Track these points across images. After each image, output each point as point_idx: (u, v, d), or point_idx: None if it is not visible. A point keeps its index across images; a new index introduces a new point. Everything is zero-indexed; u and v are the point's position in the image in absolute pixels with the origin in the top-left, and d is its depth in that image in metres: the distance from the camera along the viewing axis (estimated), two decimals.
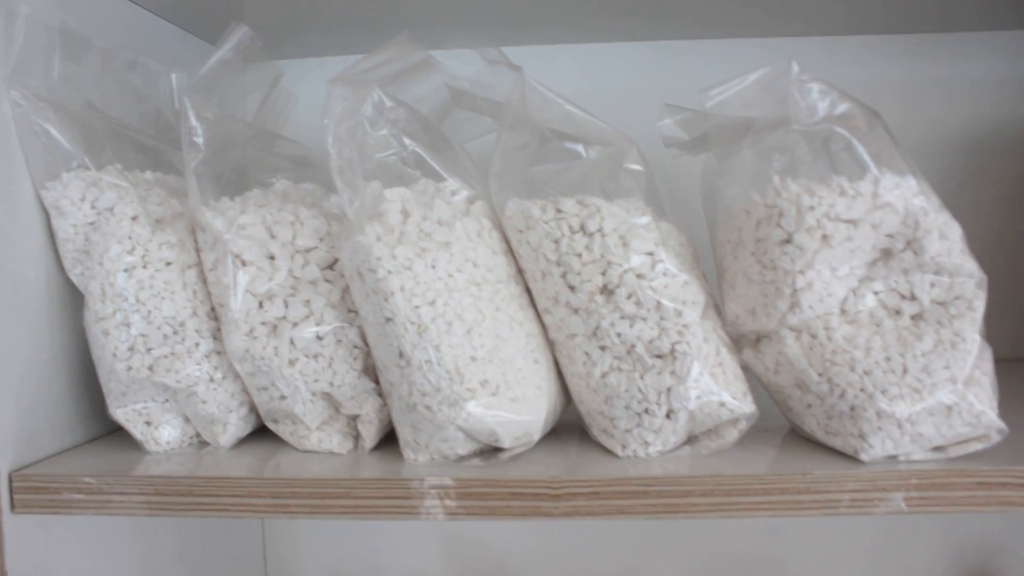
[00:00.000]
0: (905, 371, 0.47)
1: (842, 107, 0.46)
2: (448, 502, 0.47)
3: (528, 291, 0.53)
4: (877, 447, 0.47)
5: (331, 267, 0.53)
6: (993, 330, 0.77)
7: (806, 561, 0.78)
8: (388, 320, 0.48)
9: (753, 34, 0.73)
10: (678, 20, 0.68)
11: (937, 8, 0.69)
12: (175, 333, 0.52)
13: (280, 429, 0.54)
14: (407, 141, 0.51)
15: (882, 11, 0.69)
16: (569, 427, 0.56)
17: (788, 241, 0.47)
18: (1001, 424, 0.48)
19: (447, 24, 0.70)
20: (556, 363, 0.53)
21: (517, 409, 0.49)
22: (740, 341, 0.52)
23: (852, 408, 0.47)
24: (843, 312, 0.49)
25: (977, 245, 0.76)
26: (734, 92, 0.46)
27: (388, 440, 0.53)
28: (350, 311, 0.52)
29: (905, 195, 0.46)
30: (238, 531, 0.77)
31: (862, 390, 0.47)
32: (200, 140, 0.52)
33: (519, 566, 0.78)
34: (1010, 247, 0.77)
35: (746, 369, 0.52)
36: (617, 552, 0.77)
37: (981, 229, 0.76)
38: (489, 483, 0.47)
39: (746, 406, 0.50)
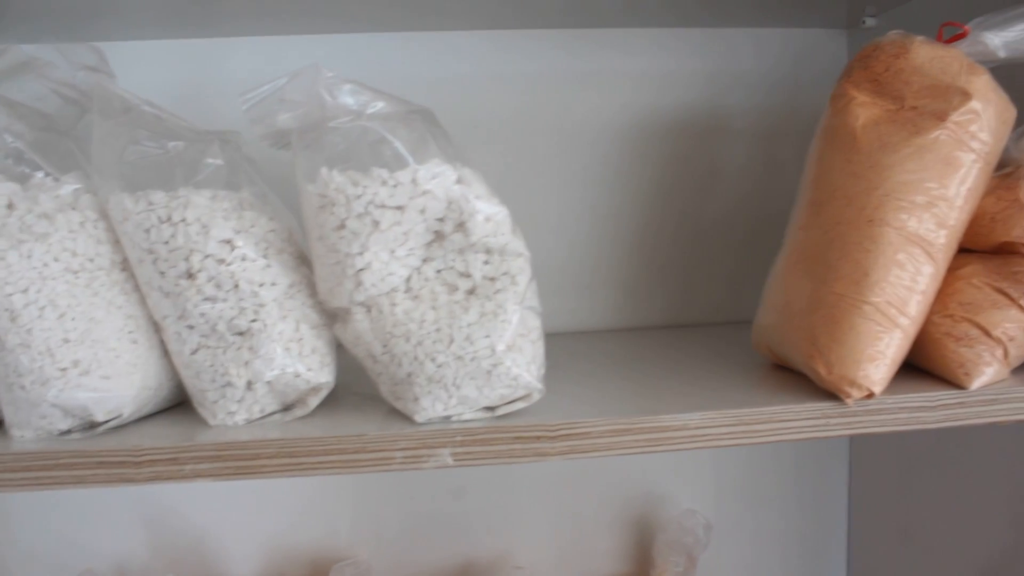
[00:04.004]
0: (451, 340, 0.53)
1: (377, 105, 0.51)
2: (38, 473, 0.52)
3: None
4: (428, 409, 0.53)
5: None
6: (654, 299, 0.85)
7: (489, 517, 0.85)
8: None
9: (419, 28, 0.78)
10: (348, 14, 0.73)
11: (596, 5, 0.74)
12: None
13: None
14: (9, 139, 0.55)
15: (549, 7, 0.74)
16: None
17: (342, 227, 0.52)
18: (539, 385, 0.54)
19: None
20: None
21: (108, 386, 0.53)
22: (335, 317, 0.57)
23: (408, 375, 0.53)
24: (408, 289, 0.54)
25: (632, 220, 0.84)
26: (270, 93, 0.50)
27: None
28: None
29: (444, 183, 0.52)
30: None
31: (415, 359, 0.53)
32: None
33: (221, 535, 0.82)
34: (664, 223, 0.84)
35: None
36: (313, 515, 0.83)
37: (638, 205, 0.83)
38: (78, 454, 0.52)
39: (322, 376, 0.55)
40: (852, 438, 0.87)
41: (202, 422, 0.56)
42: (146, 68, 0.76)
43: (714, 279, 0.85)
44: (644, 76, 0.81)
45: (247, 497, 0.82)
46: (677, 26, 0.80)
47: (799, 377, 0.60)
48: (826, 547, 0.89)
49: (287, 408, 0.56)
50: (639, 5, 0.75)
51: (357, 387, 0.61)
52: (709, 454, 0.86)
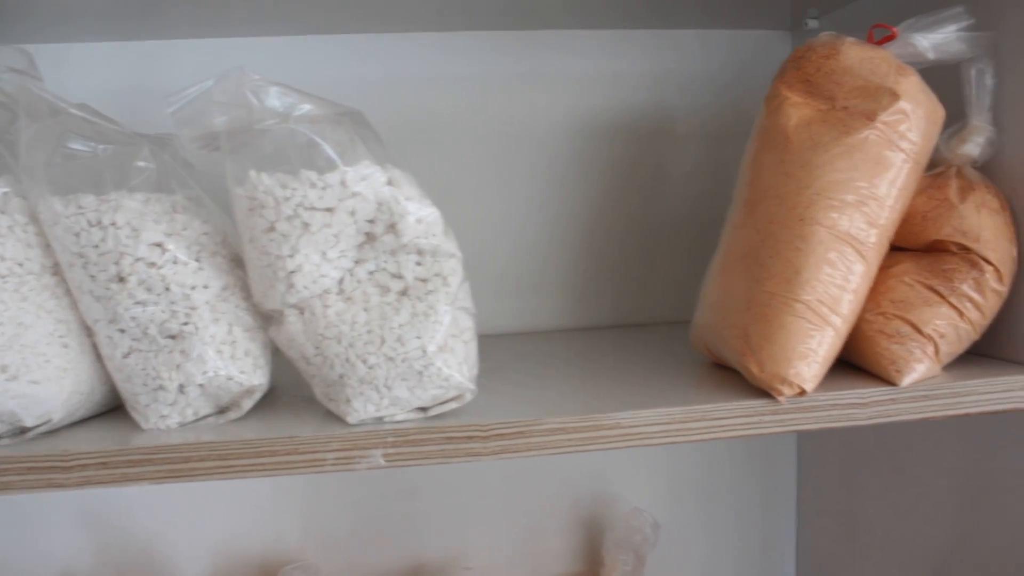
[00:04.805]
0: (383, 342, 0.53)
1: (303, 108, 0.51)
2: None
3: None
4: (360, 410, 0.53)
5: None
6: (602, 300, 0.85)
7: (440, 519, 0.85)
8: None
9: (363, 30, 0.78)
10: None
11: (539, 7, 0.75)
12: None
13: None
14: None
15: (491, 9, 0.75)
16: None
17: (272, 229, 0.52)
18: (471, 386, 0.54)
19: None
20: None
21: (36, 391, 0.53)
22: (270, 320, 0.57)
23: (340, 376, 0.53)
24: (341, 291, 0.54)
25: (580, 222, 0.84)
26: (196, 97, 0.50)
27: None
28: None
29: (374, 185, 0.52)
30: None
31: (347, 360, 0.53)
32: None
33: (169, 540, 0.82)
34: (611, 224, 0.85)
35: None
36: (263, 518, 0.82)
37: (584, 206, 0.84)
38: (5, 460, 0.51)
39: (255, 379, 0.55)
40: (800, 435, 0.88)
41: (136, 426, 0.55)
42: (89, 70, 0.76)
43: (661, 279, 0.85)
44: (590, 78, 0.81)
45: (195, 501, 0.81)
46: (622, 27, 0.80)
47: (737, 376, 0.61)
48: (775, 543, 0.90)
49: (221, 411, 0.56)
50: (584, 7, 0.75)
51: (296, 390, 0.61)
52: (659, 453, 0.87)
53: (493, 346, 0.76)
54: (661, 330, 0.82)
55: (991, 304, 0.60)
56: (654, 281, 0.85)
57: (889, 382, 0.58)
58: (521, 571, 0.86)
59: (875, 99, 0.57)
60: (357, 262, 0.54)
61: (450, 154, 0.81)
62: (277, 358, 0.58)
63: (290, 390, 0.62)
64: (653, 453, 0.86)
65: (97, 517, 0.80)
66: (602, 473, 0.86)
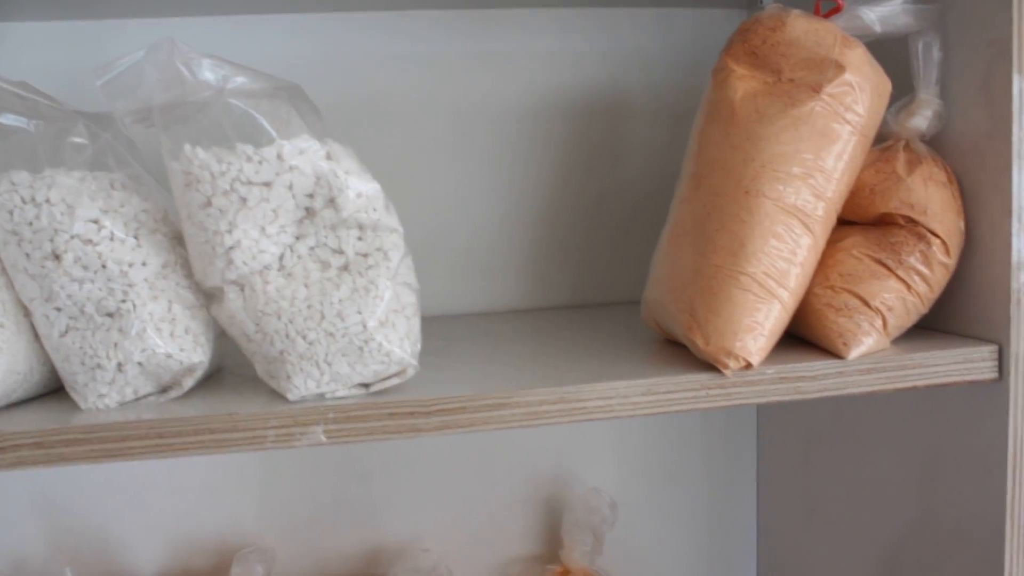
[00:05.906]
0: (322, 317, 0.52)
1: (237, 80, 0.51)
2: None
3: None
4: (301, 387, 0.53)
5: None
6: (560, 279, 0.85)
7: (397, 502, 0.84)
8: None
9: (314, 9, 0.77)
10: None
11: None
12: None
13: None
14: None
15: None
16: None
17: (209, 204, 0.51)
18: (412, 361, 0.54)
19: None
20: None
21: None
22: (212, 298, 0.56)
23: (280, 353, 0.53)
24: (281, 267, 0.53)
25: (537, 201, 0.84)
26: (125, 69, 0.49)
27: None
28: None
29: (312, 159, 0.51)
30: None
31: (287, 336, 0.52)
32: None
33: (123, 525, 0.81)
34: (569, 203, 0.84)
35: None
36: (219, 503, 0.82)
37: (542, 186, 0.83)
38: None
39: (195, 356, 0.54)
40: (759, 412, 0.88)
41: (75, 407, 0.55)
42: (32, 50, 0.74)
43: (620, 258, 0.85)
44: (547, 57, 0.81)
45: (150, 484, 0.81)
46: (579, 5, 0.80)
47: (687, 351, 0.61)
48: (735, 521, 0.90)
49: (163, 390, 0.56)
50: None
51: (242, 369, 0.61)
52: (617, 431, 0.86)
53: (449, 326, 0.76)
54: (619, 309, 0.81)
55: (938, 277, 0.60)
56: (613, 260, 0.85)
57: (837, 355, 0.58)
58: (480, 552, 0.85)
59: (820, 71, 0.57)
60: (298, 237, 0.53)
61: (406, 135, 0.80)
62: (227, 338, 0.57)
63: (236, 370, 0.62)
64: (611, 432, 0.86)
65: (49, 501, 0.79)
66: (560, 453, 0.86)
